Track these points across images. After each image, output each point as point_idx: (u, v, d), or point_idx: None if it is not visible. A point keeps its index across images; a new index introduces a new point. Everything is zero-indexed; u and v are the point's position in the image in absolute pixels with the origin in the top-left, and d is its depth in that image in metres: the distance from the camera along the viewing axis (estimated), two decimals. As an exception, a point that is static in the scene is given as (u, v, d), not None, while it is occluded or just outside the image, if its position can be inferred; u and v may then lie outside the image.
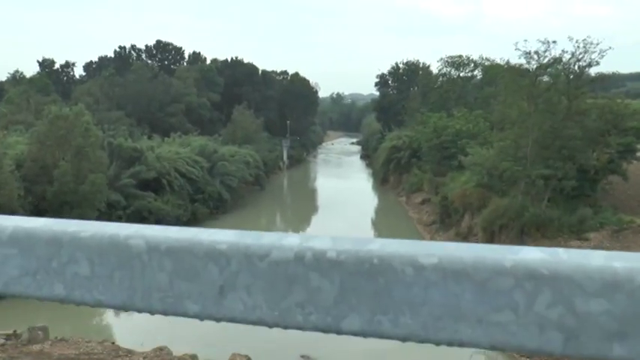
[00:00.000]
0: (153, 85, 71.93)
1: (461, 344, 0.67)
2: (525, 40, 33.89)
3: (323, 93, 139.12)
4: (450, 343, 0.67)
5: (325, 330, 0.69)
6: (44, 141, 35.97)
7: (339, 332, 0.69)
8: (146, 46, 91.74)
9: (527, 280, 0.63)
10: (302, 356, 2.60)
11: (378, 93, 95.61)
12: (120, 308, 0.80)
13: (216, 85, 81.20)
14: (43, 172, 33.33)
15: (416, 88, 76.80)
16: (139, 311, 0.79)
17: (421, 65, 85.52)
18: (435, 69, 71.06)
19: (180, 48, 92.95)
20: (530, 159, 30.87)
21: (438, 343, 0.68)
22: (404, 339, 0.69)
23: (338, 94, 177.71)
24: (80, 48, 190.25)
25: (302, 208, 56.05)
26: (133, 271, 0.77)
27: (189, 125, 66.22)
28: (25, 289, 0.83)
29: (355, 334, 0.70)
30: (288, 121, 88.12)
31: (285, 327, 0.73)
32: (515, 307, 0.64)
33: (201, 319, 0.76)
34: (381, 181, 63.33)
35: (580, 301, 0.62)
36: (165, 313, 0.78)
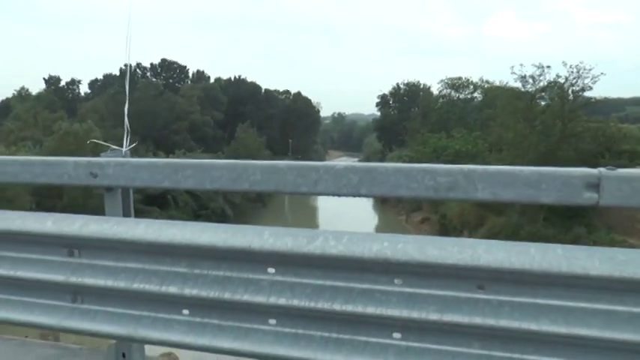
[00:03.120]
0: (158, 103, 72.96)
1: None
2: (521, 65, 34.96)
3: (325, 112, 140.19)
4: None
5: None
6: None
7: None
8: (151, 64, 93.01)
9: None
10: None
11: (379, 113, 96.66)
12: None
13: (220, 103, 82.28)
14: (53, 186, 34.19)
15: (417, 108, 77.75)
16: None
17: (422, 86, 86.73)
18: (435, 90, 72.23)
19: (185, 66, 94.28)
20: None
21: None
22: None
23: (339, 114, 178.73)
24: (85, 66, 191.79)
25: (302, 225, 56.57)
26: None
27: (193, 143, 67.18)
28: None
29: None
30: (290, 140, 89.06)
31: None
32: None
33: None
34: (381, 201, 63.95)
35: None
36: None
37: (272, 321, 2.03)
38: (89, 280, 2.22)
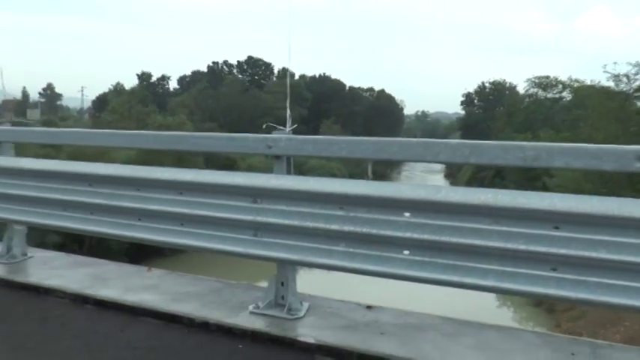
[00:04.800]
0: (244, 99, 75.41)
1: None
2: (615, 63, 34.12)
3: (408, 110, 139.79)
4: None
5: None
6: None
7: None
8: (238, 61, 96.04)
9: None
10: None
11: (463, 112, 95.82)
12: None
13: (305, 99, 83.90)
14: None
15: (502, 107, 76.64)
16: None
17: (507, 85, 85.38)
18: (521, 89, 70.93)
19: (270, 64, 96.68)
20: (616, 182, 31.08)
21: None
22: None
23: (423, 112, 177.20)
24: (174, 63, 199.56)
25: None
26: None
27: (278, 138, 68.92)
28: None
29: None
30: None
31: None
32: None
33: None
34: (449, 175, 63.63)
35: None
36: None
37: (406, 252, 2.86)
38: (268, 220, 3.13)
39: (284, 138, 3.24)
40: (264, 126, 3.42)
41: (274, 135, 3.30)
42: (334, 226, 2.96)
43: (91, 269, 4.47)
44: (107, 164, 3.92)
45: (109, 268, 4.53)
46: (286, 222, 3.09)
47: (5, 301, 3.93)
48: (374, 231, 2.88)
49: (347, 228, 2.94)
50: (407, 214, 2.83)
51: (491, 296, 22.77)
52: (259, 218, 3.16)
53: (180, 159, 31.99)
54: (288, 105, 3.60)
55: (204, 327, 3.33)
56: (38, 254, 4.82)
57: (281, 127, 3.36)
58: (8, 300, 3.94)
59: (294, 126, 3.38)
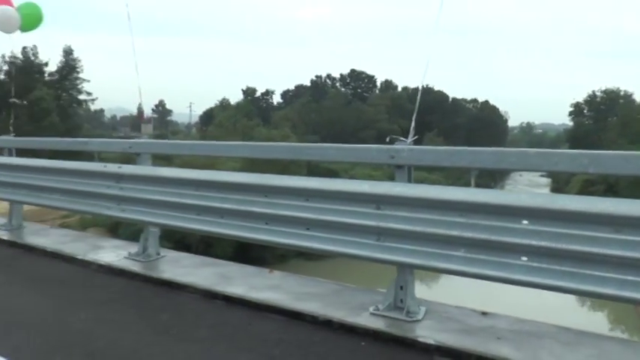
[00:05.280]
0: (346, 112, 76.19)
1: None
2: None
3: (512, 122, 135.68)
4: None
5: None
6: (255, 160, 40.59)
7: None
8: (340, 74, 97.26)
9: None
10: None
11: (571, 122, 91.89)
12: None
13: (407, 112, 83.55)
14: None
15: (614, 117, 72.92)
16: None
17: (622, 93, 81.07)
18: (638, 97, 67.26)
19: (373, 76, 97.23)
20: None
21: None
22: None
23: (528, 124, 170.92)
24: (278, 77, 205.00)
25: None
26: None
27: (379, 150, 69.04)
28: None
29: None
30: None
31: None
32: None
33: None
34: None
35: None
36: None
37: (524, 258, 2.95)
38: (391, 225, 3.32)
39: (406, 149, 3.42)
40: (387, 139, 3.61)
41: (397, 146, 3.49)
42: (454, 232, 3.10)
43: (216, 269, 4.84)
44: (237, 173, 4.25)
45: (232, 268, 4.88)
46: (408, 228, 3.26)
47: (146, 293, 4.37)
48: (493, 237, 2.99)
49: (466, 234, 3.07)
50: (525, 222, 2.92)
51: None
52: (382, 224, 3.35)
53: (284, 169, 32.92)
54: (413, 118, 3.79)
55: (328, 325, 3.55)
56: (169, 254, 5.28)
57: (402, 139, 3.53)
58: (148, 293, 4.38)
59: (415, 137, 3.54)
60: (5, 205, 6.98)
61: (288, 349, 3.27)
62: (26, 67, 62.60)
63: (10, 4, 8.92)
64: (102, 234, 19.00)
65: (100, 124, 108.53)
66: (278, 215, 3.83)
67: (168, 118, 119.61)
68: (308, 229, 3.69)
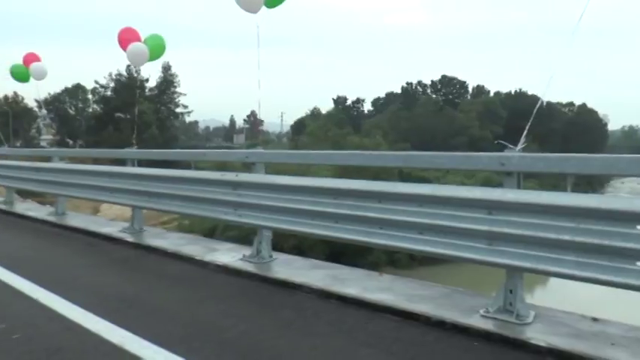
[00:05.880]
0: (437, 118, 75.42)
1: None
2: None
3: (613, 125, 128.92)
4: None
5: None
6: (347, 168, 40.95)
7: None
8: (431, 81, 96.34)
9: None
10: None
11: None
12: None
13: (499, 117, 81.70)
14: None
15: None
16: None
17: None
18: None
19: (464, 82, 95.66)
20: None
21: None
22: None
23: (631, 127, 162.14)
24: (369, 86, 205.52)
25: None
26: None
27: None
28: None
29: None
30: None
31: None
32: None
33: None
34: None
35: None
36: None
37: (638, 263, 3.01)
38: (503, 230, 3.46)
39: (517, 156, 3.55)
40: (496, 142, 3.75)
41: (507, 153, 3.62)
42: (565, 237, 3.20)
43: (328, 271, 5.12)
44: (351, 180, 4.50)
45: (343, 271, 5.13)
46: (519, 232, 3.39)
47: (264, 292, 4.72)
48: (605, 242, 3.07)
49: (578, 239, 3.17)
50: (639, 227, 2.99)
51: None
52: (494, 228, 3.50)
53: (375, 177, 32.94)
54: (527, 126, 3.92)
55: (440, 325, 3.72)
56: (281, 257, 5.61)
57: (511, 146, 3.65)
58: (266, 291, 4.72)
59: (524, 144, 3.66)
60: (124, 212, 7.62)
61: (405, 346, 3.47)
62: (129, 84, 66.27)
63: (139, 38, 9.72)
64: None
65: (194, 135, 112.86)
66: (392, 220, 4.05)
67: (260, 127, 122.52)
68: (421, 233, 3.89)
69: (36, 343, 3.66)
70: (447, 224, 3.72)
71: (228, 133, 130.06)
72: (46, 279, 5.17)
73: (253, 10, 7.20)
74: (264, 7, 7.21)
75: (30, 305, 4.50)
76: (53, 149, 10.73)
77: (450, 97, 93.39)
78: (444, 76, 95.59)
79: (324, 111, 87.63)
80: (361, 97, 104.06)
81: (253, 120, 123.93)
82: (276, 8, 7.37)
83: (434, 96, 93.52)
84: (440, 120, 75.72)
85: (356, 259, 29.51)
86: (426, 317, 3.82)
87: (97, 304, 4.40)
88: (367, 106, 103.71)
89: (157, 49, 9.88)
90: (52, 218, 9.05)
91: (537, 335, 3.45)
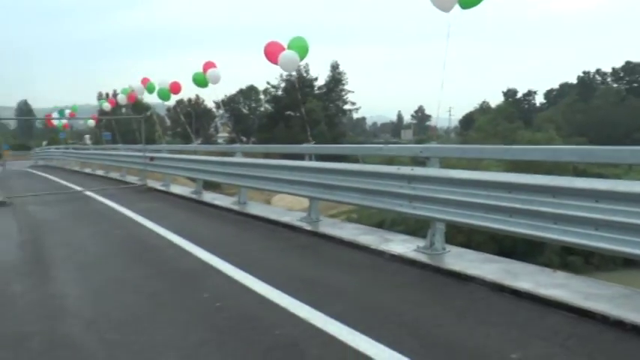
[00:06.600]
0: (619, 111, 69.85)
1: None
2: None
3: None
4: None
5: None
6: (517, 163, 39.42)
7: None
8: (612, 68, 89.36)
9: None
10: None
11: None
12: None
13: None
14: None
15: None
16: None
17: None
18: None
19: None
20: None
21: None
22: None
23: None
24: (541, 77, 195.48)
25: None
26: None
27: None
28: None
29: None
30: None
31: None
32: None
33: None
34: None
35: None
36: None
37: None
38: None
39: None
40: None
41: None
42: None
43: (500, 265, 5.17)
44: (525, 175, 4.52)
45: (515, 265, 5.15)
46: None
47: (437, 282, 4.94)
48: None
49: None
50: None
51: None
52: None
53: (549, 172, 31.30)
54: None
55: (619, 325, 3.64)
56: (453, 249, 5.75)
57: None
58: (439, 282, 4.94)
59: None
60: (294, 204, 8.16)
61: (580, 342, 3.47)
62: (299, 83, 69.24)
63: (282, 48, 10.37)
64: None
65: (362, 131, 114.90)
66: (567, 215, 4.05)
67: (427, 123, 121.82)
68: (596, 229, 3.85)
69: (233, 310, 4.27)
70: (625, 220, 3.66)
71: (395, 128, 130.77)
72: (236, 260, 5.83)
73: (446, 8, 7.35)
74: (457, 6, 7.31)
75: (226, 281, 5.18)
76: (237, 145, 11.67)
77: (635, 85, 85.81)
78: (627, 62, 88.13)
79: (493, 105, 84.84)
80: (532, 89, 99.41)
81: (421, 115, 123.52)
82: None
83: (615, 85, 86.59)
84: (622, 112, 69.91)
85: (525, 259, 28.21)
86: (603, 316, 3.76)
87: (283, 283, 4.90)
88: (539, 99, 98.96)
89: (301, 50, 10.50)
90: (235, 207, 9.97)
91: None
